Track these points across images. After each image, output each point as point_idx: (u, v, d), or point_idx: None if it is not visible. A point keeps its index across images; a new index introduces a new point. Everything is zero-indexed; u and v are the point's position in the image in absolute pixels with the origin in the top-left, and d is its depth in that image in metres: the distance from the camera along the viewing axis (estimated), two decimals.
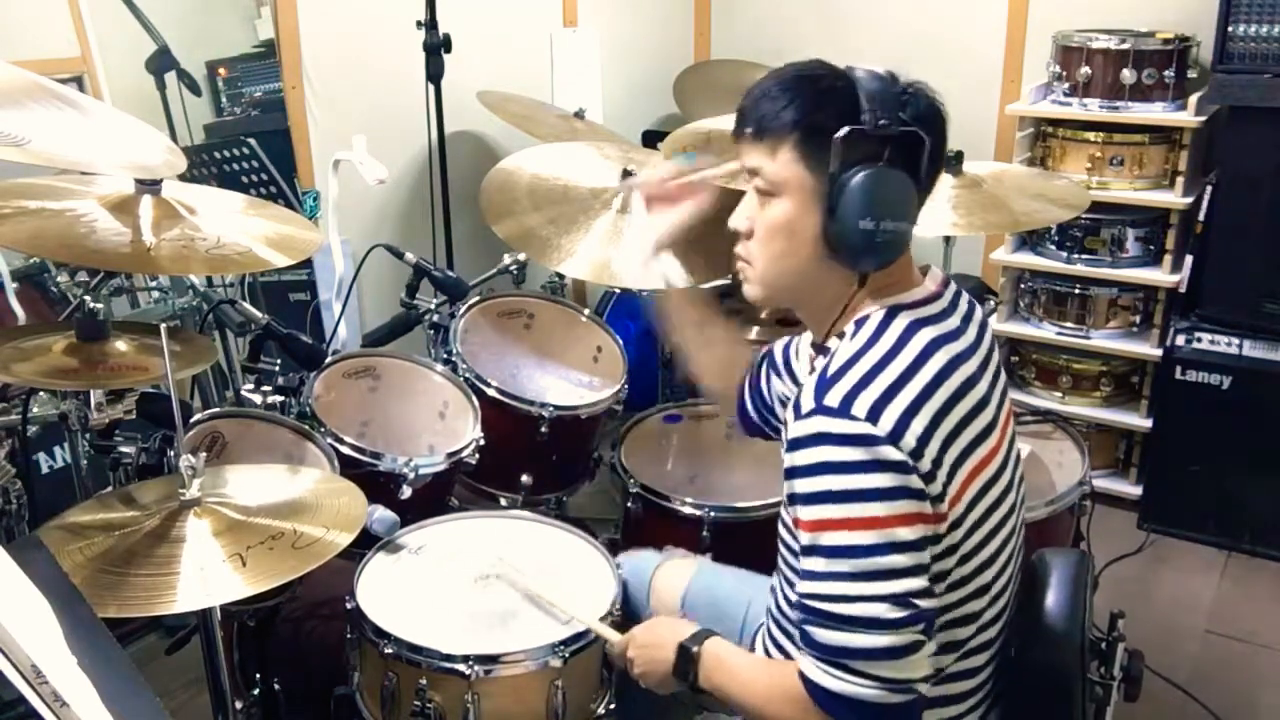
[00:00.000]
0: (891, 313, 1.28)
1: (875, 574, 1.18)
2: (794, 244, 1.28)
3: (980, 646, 1.33)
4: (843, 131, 1.21)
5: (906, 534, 1.18)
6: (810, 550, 1.22)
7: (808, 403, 1.22)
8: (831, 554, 1.19)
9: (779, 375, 1.61)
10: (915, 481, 1.18)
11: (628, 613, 1.64)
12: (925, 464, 1.19)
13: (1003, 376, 1.37)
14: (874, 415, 1.18)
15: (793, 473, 1.23)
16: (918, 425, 1.19)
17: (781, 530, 1.36)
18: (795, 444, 1.22)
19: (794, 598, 1.27)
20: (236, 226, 1.75)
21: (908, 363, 1.23)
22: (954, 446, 1.22)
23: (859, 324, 1.29)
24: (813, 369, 1.35)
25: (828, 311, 1.32)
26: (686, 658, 1.38)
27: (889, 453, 1.17)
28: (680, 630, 1.43)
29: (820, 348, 1.34)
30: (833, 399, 1.20)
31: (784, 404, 1.53)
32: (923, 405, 1.20)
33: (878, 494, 1.17)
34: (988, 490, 1.28)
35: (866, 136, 1.22)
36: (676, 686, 1.43)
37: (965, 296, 1.38)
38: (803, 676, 1.23)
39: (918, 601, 1.19)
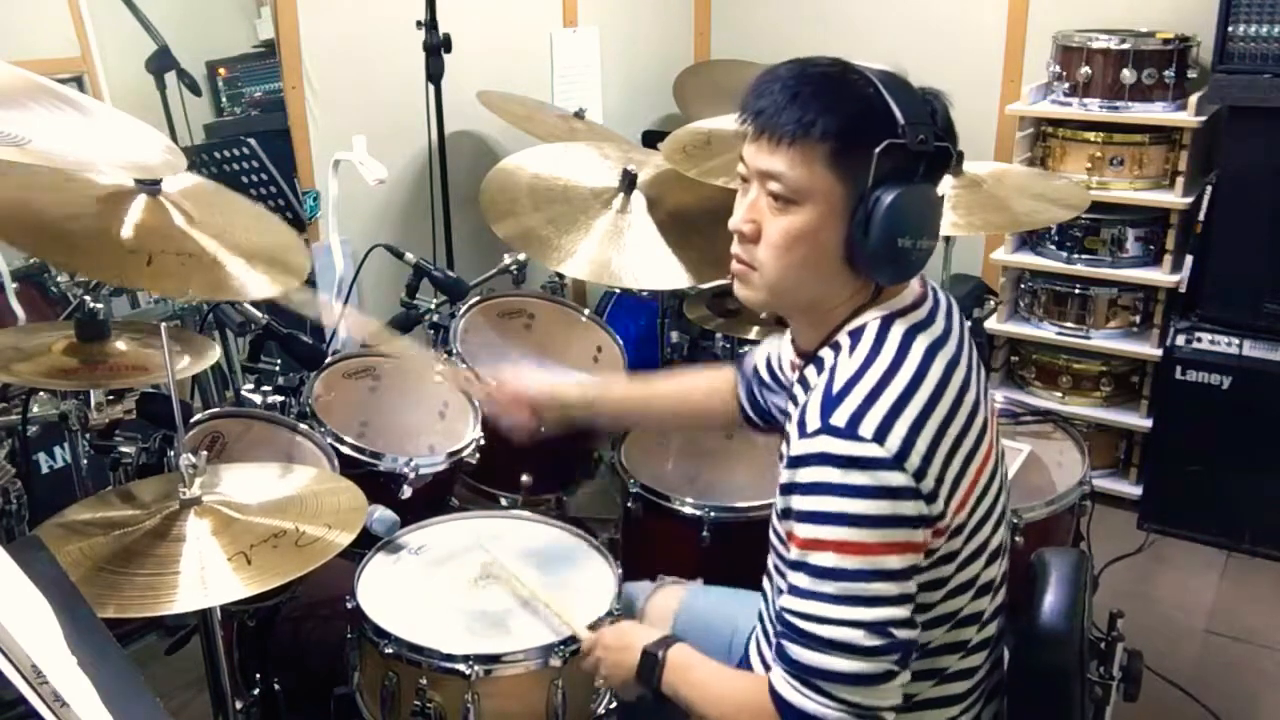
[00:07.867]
0: (887, 322, 1.27)
1: (857, 599, 1.17)
2: (815, 254, 1.25)
3: (980, 645, 1.34)
4: (882, 146, 1.18)
5: (895, 563, 1.17)
6: (797, 566, 1.21)
7: (813, 421, 1.20)
8: (817, 574, 1.19)
9: (770, 390, 1.59)
10: (914, 508, 1.17)
11: None
12: (929, 483, 1.18)
13: (983, 371, 1.37)
14: (881, 435, 1.16)
15: (791, 489, 1.21)
16: (922, 443, 1.18)
17: (773, 538, 1.35)
18: (798, 461, 1.20)
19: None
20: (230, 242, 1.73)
21: (910, 374, 1.22)
22: (956, 459, 1.22)
23: (854, 335, 1.27)
24: (801, 378, 1.33)
25: (826, 320, 1.30)
26: (650, 662, 1.38)
27: (893, 478, 1.16)
28: (646, 635, 1.43)
29: (809, 356, 1.32)
30: (839, 418, 1.18)
31: (785, 415, 1.50)
32: (928, 420, 1.19)
33: (873, 520, 1.16)
34: (985, 493, 1.28)
35: (905, 151, 1.20)
36: (639, 691, 1.42)
37: (941, 295, 1.37)
38: (772, 690, 1.22)
39: (896, 631, 1.18)
